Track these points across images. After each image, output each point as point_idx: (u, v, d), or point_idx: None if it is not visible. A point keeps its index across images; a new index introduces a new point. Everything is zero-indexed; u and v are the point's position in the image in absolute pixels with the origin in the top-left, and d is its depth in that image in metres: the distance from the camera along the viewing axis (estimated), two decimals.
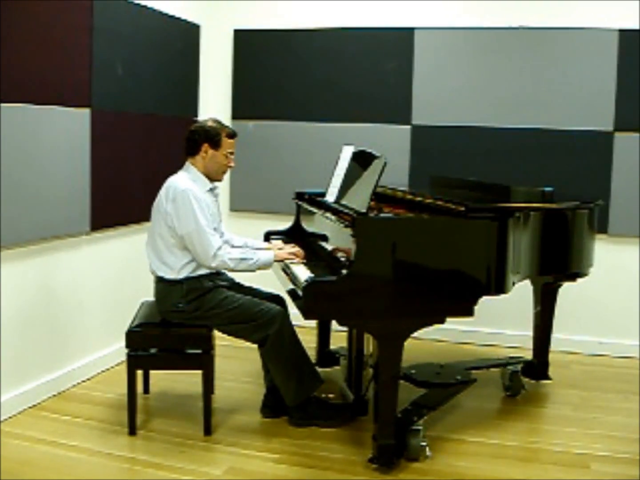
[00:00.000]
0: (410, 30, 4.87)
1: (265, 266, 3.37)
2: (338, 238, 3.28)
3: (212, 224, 3.36)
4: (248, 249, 3.53)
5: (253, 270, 3.35)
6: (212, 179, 3.47)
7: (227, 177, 5.14)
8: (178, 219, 3.27)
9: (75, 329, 3.97)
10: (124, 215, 4.28)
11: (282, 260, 3.45)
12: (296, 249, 3.52)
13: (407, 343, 2.98)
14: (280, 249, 3.60)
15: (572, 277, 3.72)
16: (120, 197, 4.21)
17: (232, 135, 3.47)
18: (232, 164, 3.50)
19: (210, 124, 3.45)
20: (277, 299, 3.62)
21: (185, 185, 3.31)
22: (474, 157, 4.81)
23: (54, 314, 3.79)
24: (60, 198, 3.71)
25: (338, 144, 3.83)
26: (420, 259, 2.95)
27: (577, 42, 4.62)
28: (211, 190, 3.47)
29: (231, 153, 3.47)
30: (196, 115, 5.05)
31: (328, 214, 3.40)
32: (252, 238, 3.85)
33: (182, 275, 3.33)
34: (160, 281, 3.40)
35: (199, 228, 3.25)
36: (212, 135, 3.40)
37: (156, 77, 4.53)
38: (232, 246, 3.68)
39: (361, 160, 3.42)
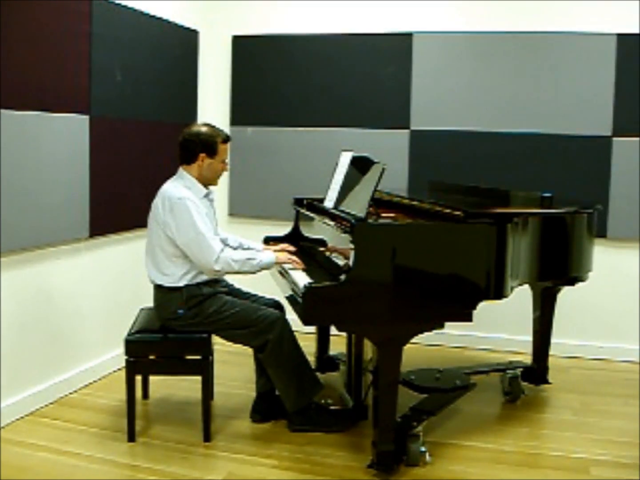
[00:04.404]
0: (408, 35, 4.88)
1: (268, 267, 3.36)
2: (337, 244, 3.28)
3: (210, 229, 3.36)
4: (251, 250, 3.52)
5: (255, 272, 3.33)
6: (206, 184, 3.46)
7: (225, 182, 5.21)
8: (177, 228, 3.25)
9: (74, 336, 3.97)
10: (123, 221, 4.28)
11: (282, 263, 3.43)
12: (295, 257, 3.50)
13: (406, 348, 2.98)
14: (277, 250, 3.62)
15: (571, 282, 3.71)
16: (120, 203, 4.21)
17: (226, 140, 3.45)
18: (227, 169, 3.50)
19: (204, 130, 3.41)
20: (276, 305, 3.63)
21: (180, 193, 3.29)
22: (473, 162, 4.81)
23: (53, 320, 3.79)
24: (60, 204, 3.71)
25: (337, 150, 3.84)
26: (419, 264, 2.94)
27: (575, 47, 4.63)
28: (206, 196, 3.47)
29: (226, 158, 3.46)
30: (195, 122, 5.05)
31: (327, 220, 3.40)
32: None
33: (181, 283, 3.33)
34: (159, 288, 3.39)
35: (199, 234, 3.24)
36: (208, 144, 3.37)
37: (155, 84, 4.54)
38: (228, 246, 3.68)
39: (360, 165, 3.43)
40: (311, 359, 3.85)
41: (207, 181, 3.45)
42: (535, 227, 3.35)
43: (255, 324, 3.34)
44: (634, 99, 4.54)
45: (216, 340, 3.49)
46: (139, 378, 3.53)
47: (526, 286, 3.75)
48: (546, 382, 4.09)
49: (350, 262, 2.88)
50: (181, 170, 3.44)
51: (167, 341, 3.35)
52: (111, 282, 4.25)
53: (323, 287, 2.90)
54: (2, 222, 3.30)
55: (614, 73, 4.57)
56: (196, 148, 3.37)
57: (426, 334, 3.04)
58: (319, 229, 3.68)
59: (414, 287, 2.93)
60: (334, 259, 3.30)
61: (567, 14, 4.63)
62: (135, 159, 4.35)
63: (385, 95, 4.97)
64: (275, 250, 3.60)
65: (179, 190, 3.32)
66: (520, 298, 3.74)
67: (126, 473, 3.06)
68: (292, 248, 3.65)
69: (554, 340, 4.09)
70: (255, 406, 3.63)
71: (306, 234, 3.99)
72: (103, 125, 3.99)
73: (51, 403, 3.75)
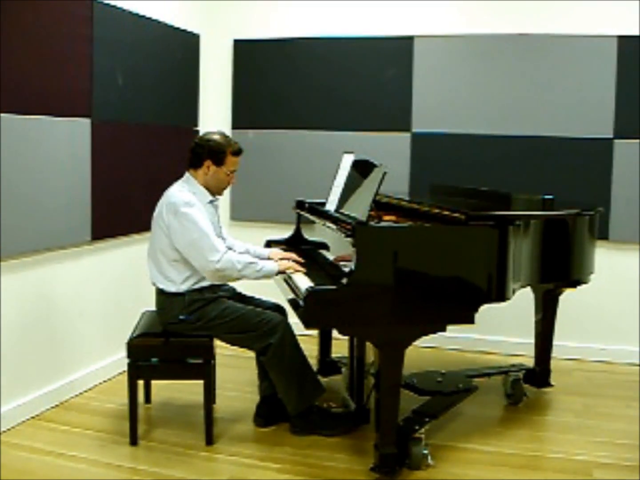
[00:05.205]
0: (409, 38, 4.88)
1: (269, 275, 3.34)
2: (339, 247, 3.28)
3: (214, 232, 3.34)
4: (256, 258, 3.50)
5: (256, 278, 3.32)
6: (211, 193, 3.46)
7: None
8: (181, 230, 3.24)
9: (76, 339, 3.97)
10: (124, 225, 4.28)
11: (284, 272, 3.42)
12: (297, 258, 3.49)
13: (408, 351, 2.98)
14: (282, 258, 3.57)
15: (573, 284, 3.71)
16: (121, 206, 4.21)
17: (237, 153, 3.42)
18: (233, 181, 3.49)
19: (216, 138, 3.40)
20: (278, 309, 3.62)
21: (185, 197, 3.29)
22: (474, 165, 4.81)
23: (55, 324, 3.79)
24: (61, 208, 3.71)
25: (338, 153, 3.83)
26: (420, 267, 2.94)
27: (576, 49, 4.63)
28: (211, 202, 3.46)
29: (234, 170, 3.45)
30: (196, 125, 5.06)
31: (328, 223, 3.39)
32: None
33: (183, 287, 3.33)
34: (161, 293, 3.39)
35: (202, 234, 3.22)
36: (216, 152, 3.36)
37: (156, 87, 4.54)
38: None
39: (361, 169, 3.43)
40: (313, 362, 3.85)
41: (212, 189, 3.44)
42: (537, 229, 3.35)
43: (258, 327, 3.34)
44: (635, 101, 4.54)
45: (218, 343, 3.48)
46: (141, 382, 3.53)
47: (528, 288, 3.75)
48: (548, 384, 4.08)
49: (352, 265, 2.88)
50: (188, 175, 3.44)
51: (169, 345, 3.35)
52: (113, 286, 4.25)
53: (325, 290, 2.90)
54: (4, 226, 3.30)
55: (615, 75, 4.57)
56: (203, 154, 3.37)
57: (428, 336, 3.03)
58: (320, 233, 3.68)
59: (415, 290, 2.93)
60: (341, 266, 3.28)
61: (568, 16, 4.63)
62: (136, 162, 4.35)
63: (386, 98, 4.97)
64: (281, 258, 3.56)
65: (184, 194, 3.32)
66: (522, 301, 3.74)
67: (128, 477, 3.05)
68: (299, 259, 3.59)
69: (555, 342, 4.09)
70: (258, 410, 3.62)
71: (308, 237, 3.99)
72: (105, 128, 3.99)
73: (53, 407, 3.74)
